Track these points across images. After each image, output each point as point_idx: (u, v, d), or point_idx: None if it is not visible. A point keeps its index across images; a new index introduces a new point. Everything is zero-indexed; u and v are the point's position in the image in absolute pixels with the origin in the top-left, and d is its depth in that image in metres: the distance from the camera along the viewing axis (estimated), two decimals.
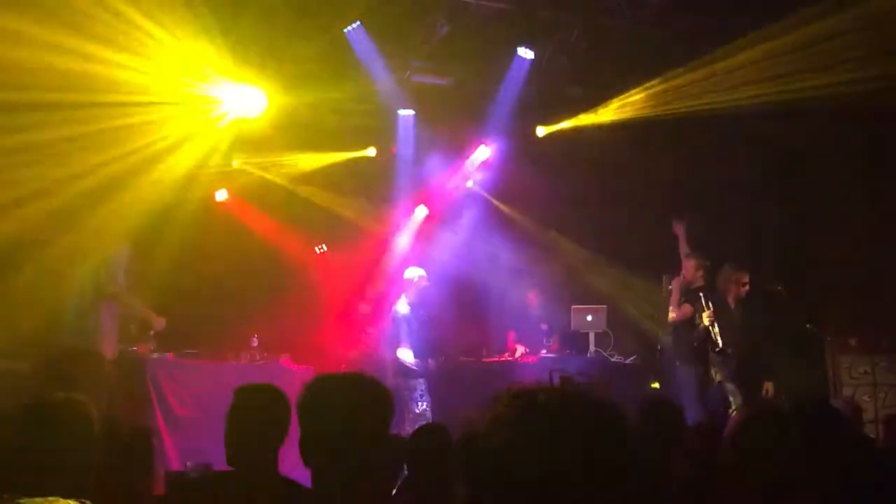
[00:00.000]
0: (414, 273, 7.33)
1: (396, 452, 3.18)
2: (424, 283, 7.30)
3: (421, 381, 6.97)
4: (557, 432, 0.97)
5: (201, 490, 2.57)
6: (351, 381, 2.02)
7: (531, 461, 0.96)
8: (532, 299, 8.55)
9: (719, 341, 6.43)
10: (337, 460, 1.86)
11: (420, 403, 6.85)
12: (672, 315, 6.87)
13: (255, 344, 7.42)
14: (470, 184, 9.33)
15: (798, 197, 8.26)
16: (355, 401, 1.92)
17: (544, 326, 8.33)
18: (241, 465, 2.50)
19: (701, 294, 6.56)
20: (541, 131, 8.77)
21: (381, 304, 7.83)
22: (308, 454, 1.88)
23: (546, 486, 0.95)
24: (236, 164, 8.57)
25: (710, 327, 6.46)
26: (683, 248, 7.12)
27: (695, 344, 6.61)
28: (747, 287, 6.64)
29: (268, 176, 8.69)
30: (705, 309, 6.48)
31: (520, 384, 1.07)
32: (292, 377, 6.55)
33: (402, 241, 8.82)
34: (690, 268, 6.82)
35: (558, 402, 1.00)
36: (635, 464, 0.97)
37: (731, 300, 6.66)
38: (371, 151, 8.84)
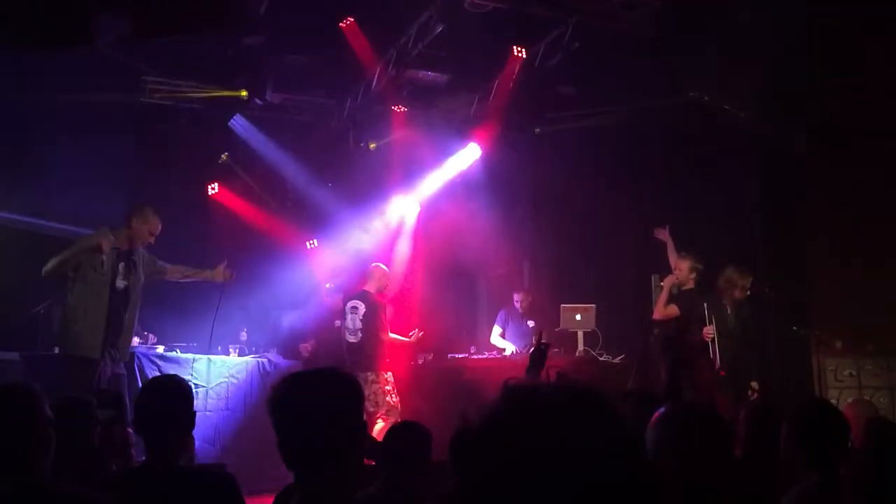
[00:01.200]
0: (378, 267, 7.35)
1: (372, 452, 3.08)
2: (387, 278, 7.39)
3: (390, 374, 7.03)
4: (556, 429, 0.97)
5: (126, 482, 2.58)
6: (317, 377, 1.95)
7: (528, 458, 0.96)
8: (518, 298, 8.51)
9: (717, 360, 6.42)
10: (315, 459, 1.81)
11: (392, 396, 6.90)
12: (657, 314, 6.86)
13: (244, 338, 7.40)
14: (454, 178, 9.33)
15: (789, 200, 8.29)
16: (323, 398, 1.85)
17: (531, 324, 8.30)
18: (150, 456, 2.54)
19: (706, 305, 6.52)
20: (532, 130, 8.77)
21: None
22: (286, 456, 1.82)
23: (543, 483, 0.95)
24: (224, 157, 8.53)
25: (711, 343, 6.45)
26: (672, 252, 7.08)
27: (693, 349, 6.60)
28: (749, 291, 6.63)
29: (255, 174, 8.66)
30: (707, 323, 6.47)
31: (516, 380, 1.06)
32: (280, 372, 6.53)
33: (399, 238, 8.79)
34: (684, 269, 6.76)
35: (556, 398, 1.00)
36: (635, 461, 0.97)
37: (727, 302, 6.63)
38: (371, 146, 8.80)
